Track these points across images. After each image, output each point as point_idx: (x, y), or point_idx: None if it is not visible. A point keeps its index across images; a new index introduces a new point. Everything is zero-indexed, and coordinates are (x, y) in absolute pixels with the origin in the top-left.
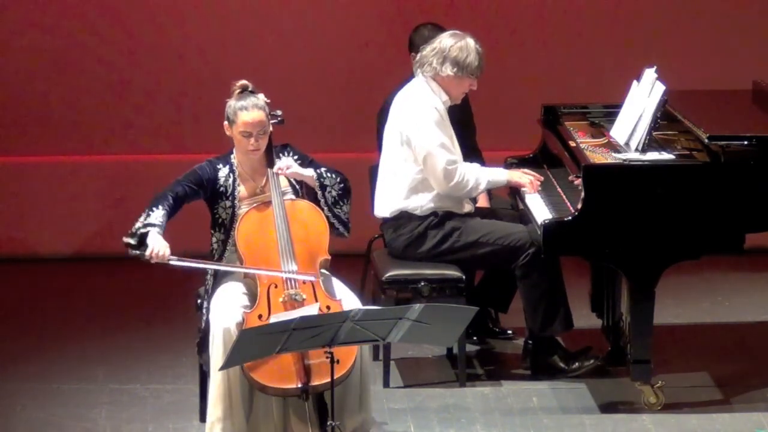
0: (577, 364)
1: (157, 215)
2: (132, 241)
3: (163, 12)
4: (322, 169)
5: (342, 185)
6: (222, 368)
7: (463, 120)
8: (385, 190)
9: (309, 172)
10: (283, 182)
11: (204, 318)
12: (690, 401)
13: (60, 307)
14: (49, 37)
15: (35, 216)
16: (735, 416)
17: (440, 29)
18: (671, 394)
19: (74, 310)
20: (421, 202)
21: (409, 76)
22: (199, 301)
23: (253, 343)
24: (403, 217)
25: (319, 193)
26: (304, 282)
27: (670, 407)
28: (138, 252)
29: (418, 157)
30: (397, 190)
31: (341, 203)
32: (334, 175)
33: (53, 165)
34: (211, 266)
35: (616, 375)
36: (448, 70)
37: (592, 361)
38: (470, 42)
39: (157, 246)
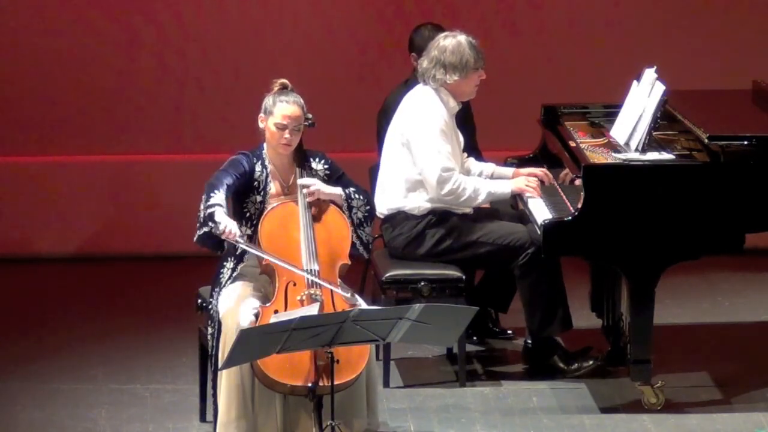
0: (576, 364)
1: (219, 197)
2: (205, 229)
3: (163, 12)
4: (351, 189)
5: (368, 207)
6: (222, 368)
7: (463, 120)
8: (384, 188)
9: (336, 191)
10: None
11: (213, 316)
12: (690, 401)
13: (60, 307)
14: (49, 37)
15: (35, 216)
16: (735, 416)
17: (440, 29)
18: (671, 394)
19: (74, 310)
20: (419, 202)
21: (410, 75)
22: (199, 300)
23: (253, 343)
24: (401, 216)
25: (346, 213)
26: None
27: (670, 407)
28: (212, 227)
29: (416, 161)
30: (396, 188)
31: (365, 225)
32: (361, 197)
33: (53, 165)
34: (270, 258)
35: (616, 375)
36: (452, 77)
37: (591, 362)
38: (462, 40)
39: (230, 224)
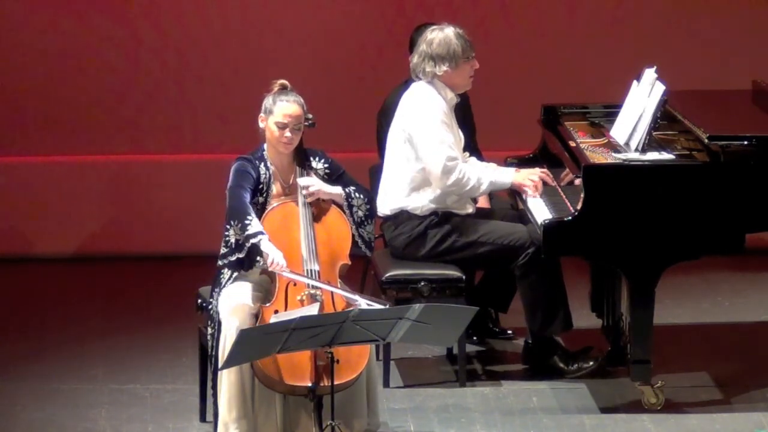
0: (577, 365)
1: (257, 222)
2: (240, 255)
3: (164, 12)
4: (351, 188)
5: (368, 206)
6: (222, 368)
7: (463, 120)
8: (387, 188)
9: (336, 190)
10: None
11: (213, 316)
12: (690, 401)
13: (60, 307)
14: (49, 37)
15: (35, 216)
16: (735, 416)
17: None
18: (671, 394)
19: (74, 310)
20: (422, 202)
21: (409, 76)
22: (199, 300)
23: (254, 343)
24: (403, 216)
25: (347, 212)
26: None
27: (670, 407)
28: (259, 260)
29: (419, 154)
30: (399, 188)
31: (366, 223)
32: (362, 195)
33: (53, 165)
34: (313, 282)
35: (616, 375)
36: (442, 68)
37: (591, 363)
38: (448, 31)
39: (277, 256)
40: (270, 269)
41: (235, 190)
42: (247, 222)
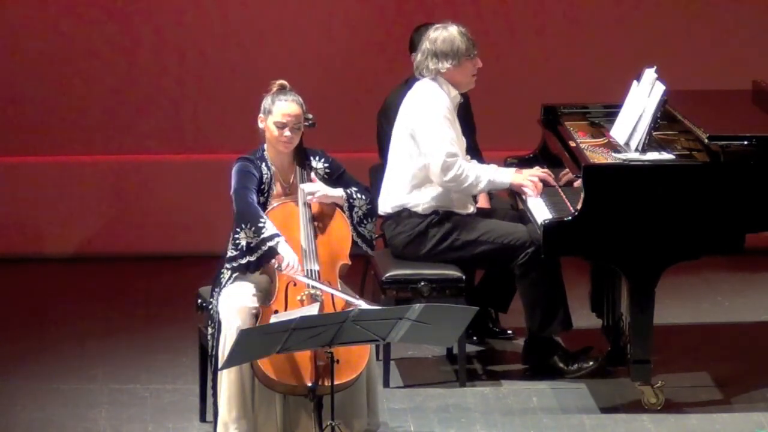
0: (576, 365)
1: (271, 225)
2: (251, 258)
3: (163, 12)
4: (352, 189)
5: (369, 206)
6: (222, 368)
7: (463, 120)
8: (389, 185)
9: (338, 193)
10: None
11: (213, 316)
12: (690, 401)
13: (60, 307)
14: (49, 38)
15: (35, 216)
16: (735, 416)
17: None
18: (671, 394)
19: (74, 310)
20: (423, 199)
21: (410, 75)
22: (199, 300)
23: (254, 343)
24: (404, 214)
25: (347, 213)
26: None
27: (670, 407)
28: (274, 263)
29: (421, 148)
30: (400, 185)
31: (366, 222)
32: (363, 196)
33: (53, 165)
34: (328, 289)
35: (616, 375)
36: (445, 65)
37: (591, 363)
38: (451, 29)
39: (293, 260)
40: (284, 272)
41: (241, 192)
42: (260, 225)
